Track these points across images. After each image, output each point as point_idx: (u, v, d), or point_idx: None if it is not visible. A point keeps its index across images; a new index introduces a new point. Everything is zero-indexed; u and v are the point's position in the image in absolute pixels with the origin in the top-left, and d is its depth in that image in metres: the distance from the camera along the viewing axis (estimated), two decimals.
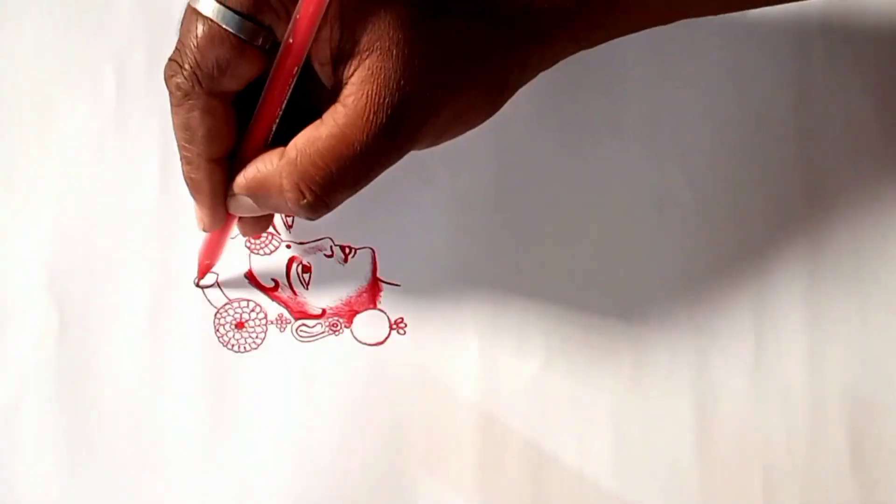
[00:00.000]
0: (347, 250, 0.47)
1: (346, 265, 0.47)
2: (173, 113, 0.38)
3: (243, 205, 0.39)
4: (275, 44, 0.37)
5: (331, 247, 0.47)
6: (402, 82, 0.35)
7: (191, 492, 0.43)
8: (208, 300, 0.46)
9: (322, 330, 0.46)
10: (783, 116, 0.49)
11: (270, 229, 0.47)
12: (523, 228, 0.47)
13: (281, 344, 0.46)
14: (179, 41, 0.37)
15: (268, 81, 0.37)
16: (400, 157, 0.37)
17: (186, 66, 0.36)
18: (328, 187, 0.36)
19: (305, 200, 0.37)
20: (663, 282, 0.47)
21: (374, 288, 0.47)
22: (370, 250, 0.47)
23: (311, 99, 0.38)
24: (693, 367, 0.46)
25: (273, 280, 0.47)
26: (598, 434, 0.45)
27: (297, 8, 0.35)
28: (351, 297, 0.46)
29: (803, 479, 0.45)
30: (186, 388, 0.45)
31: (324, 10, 0.35)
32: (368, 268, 0.47)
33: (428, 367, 0.45)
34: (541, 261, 0.47)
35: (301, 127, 0.37)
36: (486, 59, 0.37)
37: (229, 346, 0.46)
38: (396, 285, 0.46)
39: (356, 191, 0.37)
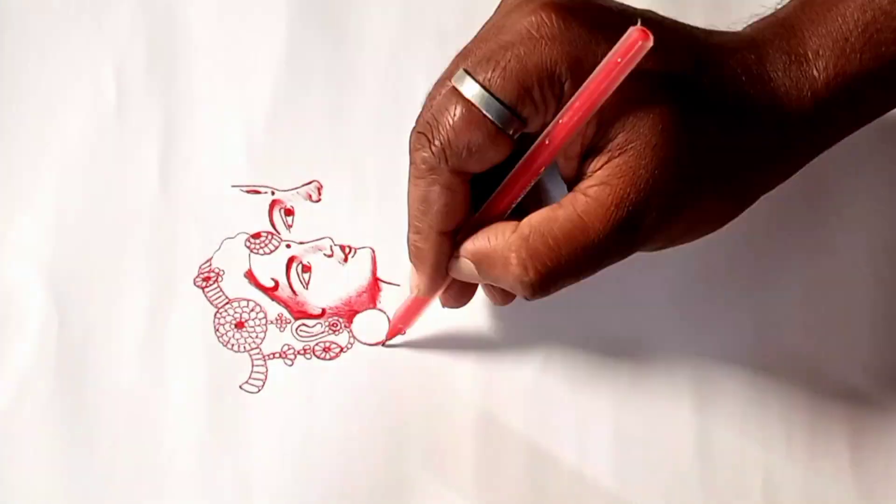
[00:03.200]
0: (347, 250, 0.47)
1: (346, 265, 0.47)
2: (412, 184, 0.38)
3: (465, 270, 0.39)
4: (523, 134, 0.37)
5: (331, 246, 0.47)
6: (649, 183, 0.36)
7: (190, 492, 0.43)
8: (208, 300, 0.46)
9: (322, 330, 0.46)
10: None
11: (270, 228, 0.47)
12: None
13: (281, 344, 0.46)
14: (432, 116, 0.37)
15: (517, 169, 0.37)
16: (629, 254, 0.37)
17: (437, 143, 0.36)
18: (554, 270, 0.36)
19: (528, 278, 0.37)
20: (663, 282, 0.47)
21: (374, 288, 0.47)
22: (370, 250, 0.47)
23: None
24: (693, 367, 0.46)
25: (273, 280, 0.47)
26: (598, 434, 0.45)
27: (562, 111, 0.36)
28: (351, 296, 0.46)
29: (803, 479, 0.45)
30: (186, 388, 0.45)
31: (588, 119, 0.35)
32: (368, 268, 0.47)
33: (428, 367, 0.45)
34: None
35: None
36: (735, 172, 0.38)
37: (229, 346, 0.45)
38: (396, 285, 0.46)
39: (577, 280, 0.37)
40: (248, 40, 0.50)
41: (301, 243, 0.47)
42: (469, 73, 0.36)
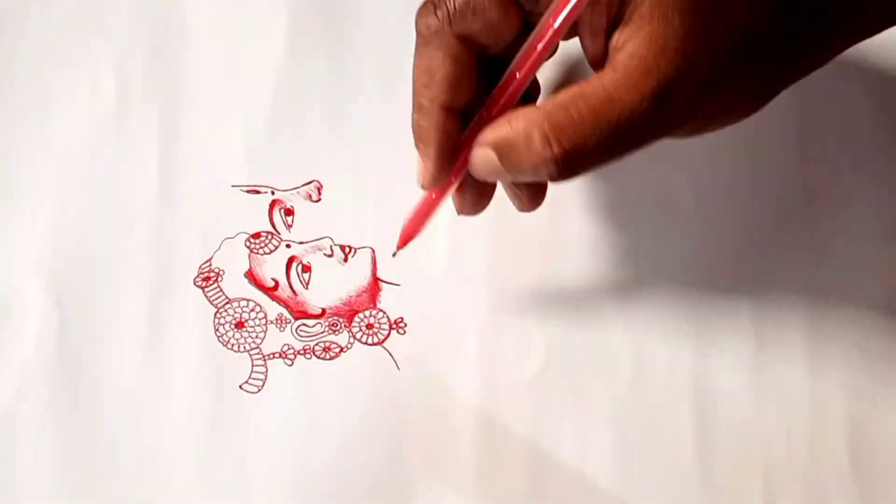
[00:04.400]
0: (347, 250, 0.47)
1: (346, 265, 0.47)
2: (416, 55, 0.36)
3: (484, 161, 0.36)
4: (533, 13, 0.36)
5: (331, 246, 0.47)
6: (680, 53, 0.34)
7: (191, 492, 0.43)
8: (208, 300, 0.46)
9: (322, 330, 0.46)
10: (783, 116, 0.49)
11: (270, 228, 0.47)
12: (523, 228, 0.47)
13: (281, 344, 0.46)
14: None
15: (530, 39, 0.36)
16: (659, 136, 0.35)
17: (441, 8, 0.35)
18: (581, 145, 0.34)
19: (552, 153, 0.34)
20: (663, 282, 0.47)
21: (374, 288, 0.47)
22: (370, 250, 0.47)
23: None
24: (693, 367, 0.46)
25: (273, 280, 0.47)
26: (598, 434, 0.45)
27: None
28: (351, 296, 0.46)
29: (803, 479, 0.45)
30: (186, 389, 0.45)
31: None
32: (368, 267, 0.47)
33: (428, 368, 0.45)
34: (541, 261, 0.47)
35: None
36: (768, 47, 0.35)
37: (229, 346, 0.45)
38: (396, 285, 0.46)
39: (604, 162, 0.35)
40: (248, 40, 0.50)
41: (301, 243, 0.47)
42: None
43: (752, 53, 0.35)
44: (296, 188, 0.48)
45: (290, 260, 0.47)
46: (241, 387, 0.45)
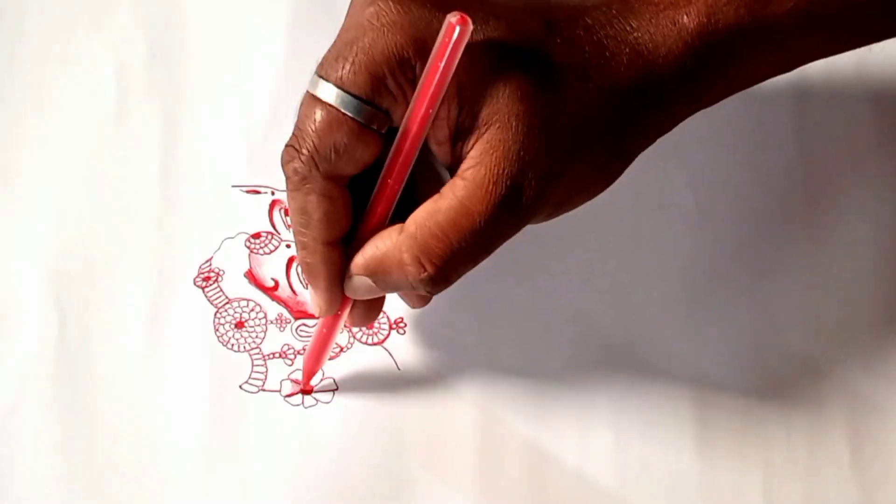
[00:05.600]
0: None
1: None
2: (290, 197, 0.37)
3: (360, 286, 0.38)
4: (391, 128, 0.37)
5: None
6: (521, 153, 0.35)
7: (191, 492, 0.43)
8: (208, 300, 0.46)
9: None
10: (783, 116, 0.49)
11: (270, 228, 0.47)
12: (522, 231, 0.47)
13: (281, 344, 0.46)
14: (297, 127, 0.37)
15: (387, 164, 0.37)
16: (520, 228, 0.37)
17: (304, 151, 0.36)
18: (450, 260, 0.36)
19: (426, 274, 0.36)
20: (663, 282, 0.47)
21: None
22: None
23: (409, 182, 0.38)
24: (693, 368, 0.46)
25: (273, 280, 0.47)
26: (598, 434, 0.45)
27: (415, 92, 0.35)
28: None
29: (803, 479, 0.45)
30: (186, 388, 0.45)
31: (443, 94, 0.35)
32: None
33: (428, 367, 0.45)
34: (541, 261, 0.47)
35: (403, 210, 0.37)
36: (606, 129, 0.37)
37: (229, 346, 0.45)
38: None
39: (476, 263, 0.37)
40: (248, 40, 0.50)
41: None
42: (322, 77, 0.36)
43: (590, 140, 0.37)
44: None
45: (290, 260, 0.47)
46: (241, 387, 0.45)
